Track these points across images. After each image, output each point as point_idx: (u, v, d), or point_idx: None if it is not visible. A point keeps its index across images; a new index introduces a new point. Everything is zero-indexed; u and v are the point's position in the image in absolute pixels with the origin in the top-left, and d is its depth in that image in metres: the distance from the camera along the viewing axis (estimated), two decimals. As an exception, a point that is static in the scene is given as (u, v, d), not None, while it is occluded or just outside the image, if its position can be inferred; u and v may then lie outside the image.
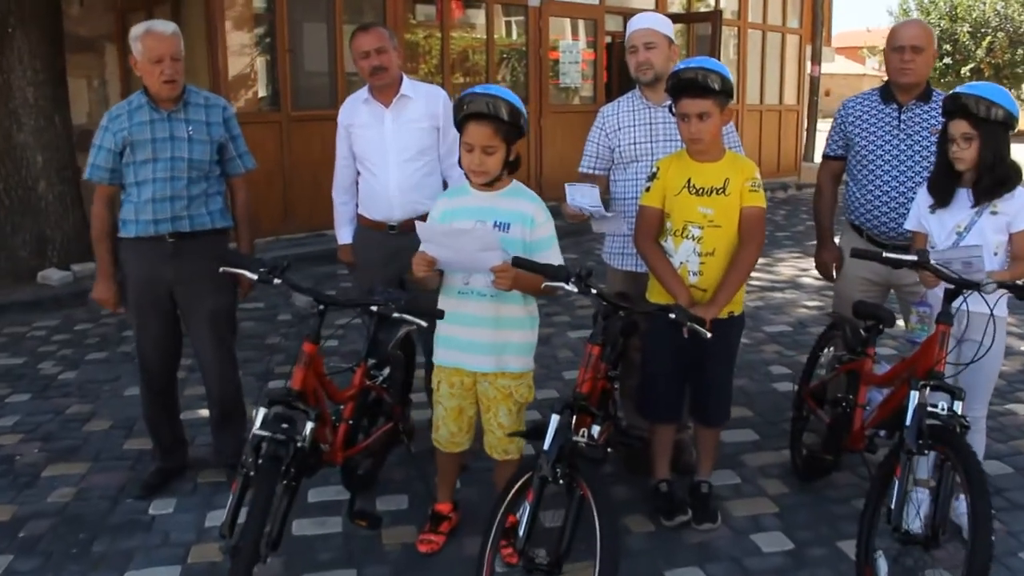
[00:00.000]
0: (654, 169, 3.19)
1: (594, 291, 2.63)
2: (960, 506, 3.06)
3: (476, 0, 10.69)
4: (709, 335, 2.70)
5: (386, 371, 3.41)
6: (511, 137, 2.79)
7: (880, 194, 3.57)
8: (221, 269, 2.80)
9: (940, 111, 3.40)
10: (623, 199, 3.57)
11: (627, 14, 12.56)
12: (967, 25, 29.30)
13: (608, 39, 12.30)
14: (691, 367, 3.22)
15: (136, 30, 3.31)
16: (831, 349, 3.76)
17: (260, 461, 2.56)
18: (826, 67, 17.98)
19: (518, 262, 2.61)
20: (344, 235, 3.98)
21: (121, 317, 6.43)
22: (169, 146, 3.36)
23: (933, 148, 3.40)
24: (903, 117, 3.56)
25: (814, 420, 3.69)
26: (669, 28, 3.55)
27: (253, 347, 5.65)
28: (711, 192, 3.05)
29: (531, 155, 10.92)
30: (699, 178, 3.07)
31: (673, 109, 3.08)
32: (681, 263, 3.10)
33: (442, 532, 3.22)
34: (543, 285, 2.65)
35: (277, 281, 2.74)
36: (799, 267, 8.22)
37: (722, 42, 12.69)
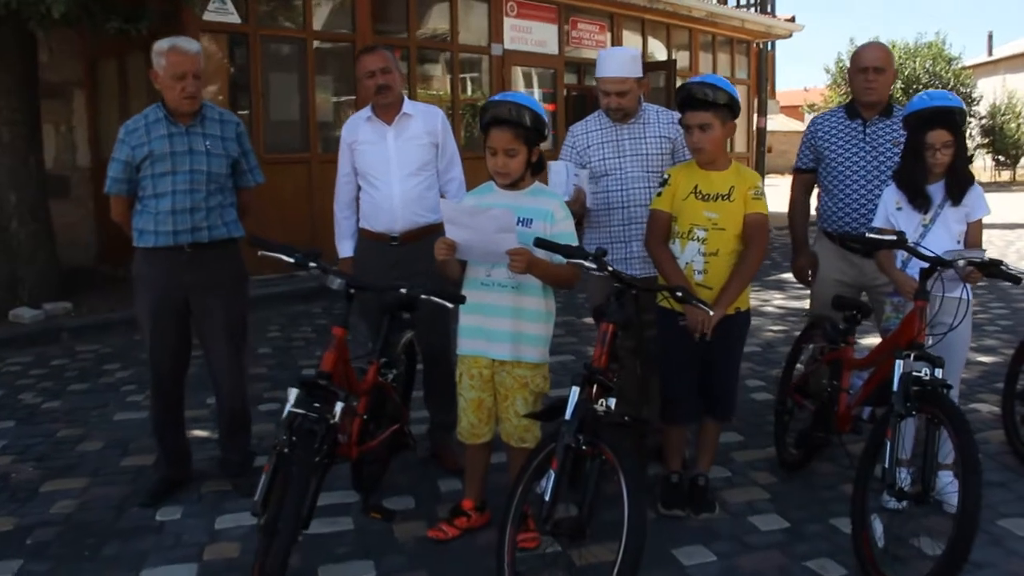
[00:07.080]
0: (665, 176, 3.42)
1: (610, 268, 2.83)
2: (943, 482, 3.29)
3: (442, 51, 11.06)
4: (712, 312, 2.92)
5: (394, 372, 3.55)
6: (532, 140, 2.99)
7: (850, 202, 3.86)
8: (260, 253, 2.94)
9: (901, 124, 3.71)
10: (595, 212, 3.78)
11: (583, 65, 13.06)
12: (900, 82, 30.92)
13: (565, 92, 12.73)
14: (702, 365, 3.38)
15: (160, 45, 3.45)
16: (811, 347, 4.00)
17: (295, 437, 2.67)
18: (768, 124, 18.68)
19: (540, 243, 2.80)
20: (345, 248, 4.14)
21: (99, 351, 6.50)
22: (188, 159, 3.50)
23: (896, 159, 3.68)
24: (868, 131, 3.87)
25: (798, 413, 3.91)
26: (638, 68, 3.78)
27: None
28: (716, 198, 3.28)
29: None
30: (705, 185, 3.30)
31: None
32: (687, 263, 3.30)
33: (456, 526, 3.28)
34: (566, 262, 2.85)
35: (312, 265, 2.90)
36: (761, 298, 8.54)
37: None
